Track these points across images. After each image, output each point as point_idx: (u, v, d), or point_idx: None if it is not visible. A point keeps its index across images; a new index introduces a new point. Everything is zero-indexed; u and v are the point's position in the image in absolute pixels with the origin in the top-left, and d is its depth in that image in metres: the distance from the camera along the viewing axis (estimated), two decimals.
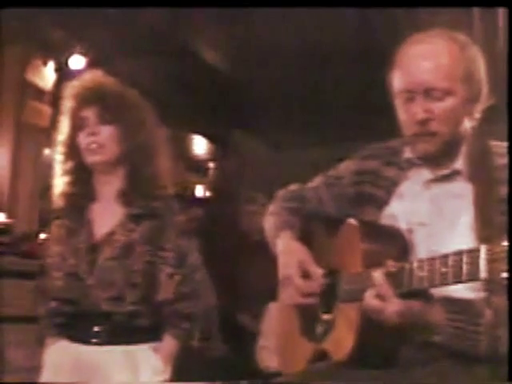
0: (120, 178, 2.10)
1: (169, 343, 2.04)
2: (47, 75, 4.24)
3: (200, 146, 6.74)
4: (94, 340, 1.99)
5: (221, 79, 5.11)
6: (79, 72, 4.41)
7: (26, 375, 2.82)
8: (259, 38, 4.48)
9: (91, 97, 2.08)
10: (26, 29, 3.91)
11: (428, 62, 1.51)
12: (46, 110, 4.17)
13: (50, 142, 4.29)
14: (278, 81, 5.04)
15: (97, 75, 2.16)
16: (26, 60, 4.09)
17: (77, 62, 4.43)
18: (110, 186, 2.11)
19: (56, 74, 4.29)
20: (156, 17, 4.00)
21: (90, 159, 2.07)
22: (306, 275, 1.62)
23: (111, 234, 2.04)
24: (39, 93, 4.16)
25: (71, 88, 2.13)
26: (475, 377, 1.40)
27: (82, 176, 2.11)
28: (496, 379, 1.37)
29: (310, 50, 4.62)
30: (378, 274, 1.38)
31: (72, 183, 2.12)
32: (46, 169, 4.18)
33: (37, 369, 2.04)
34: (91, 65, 4.41)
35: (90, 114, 2.07)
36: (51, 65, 4.26)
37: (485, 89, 1.56)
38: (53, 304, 2.05)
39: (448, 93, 1.51)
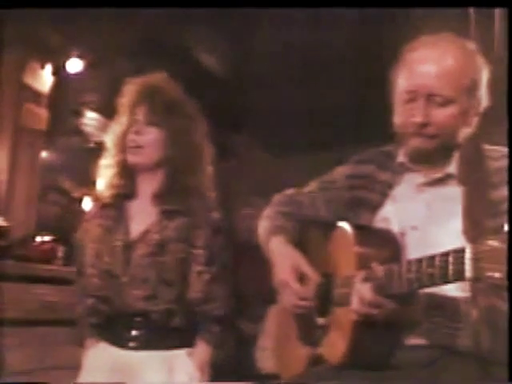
0: (158, 180, 2.09)
1: (202, 349, 2.01)
2: (45, 78, 4.23)
3: None
4: (132, 344, 1.98)
5: (218, 83, 5.10)
6: (76, 75, 4.42)
7: (26, 377, 2.82)
8: (258, 41, 4.48)
9: (145, 94, 2.08)
10: (24, 31, 3.90)
11: (436, 68, 1.50)
12: (44, 113, 4.17)
13: (47, 145, 4.32)
14: (276, 84, 5.04)
15: (160, 77, 2.15)
16: (24, 63, 4.08)
17: (74, 65, 4.43)
18: (148, 185, 2.10)
19: (53, 77, 4.28)
20: (153, 19, 3.99)
21: (131, 159, 2.07)
22: (301, 278, 1.62)
23: (147, 232, 2.03)
24: (36, 96, 4.15)
25: (133, 84, 2.12)
26: (470, 376, 1.40)
27: (127, 173, 2.10)
28: (486, 378, 1.38)
29: (309, 53, 4.61)
30: (362, 285, 1.38)
31: (117, 181, 2.10)
32: (44, 172, 4.20)
33: (37, 370, 2.03)
34: (89, 68, 4.41)
35: (140, 111, 2.07)
36: (49, 68, 4.25)
37: (485, 101, 1.56)
38: (89, 301, 2.04)
39: (451, 101, 1.50)
